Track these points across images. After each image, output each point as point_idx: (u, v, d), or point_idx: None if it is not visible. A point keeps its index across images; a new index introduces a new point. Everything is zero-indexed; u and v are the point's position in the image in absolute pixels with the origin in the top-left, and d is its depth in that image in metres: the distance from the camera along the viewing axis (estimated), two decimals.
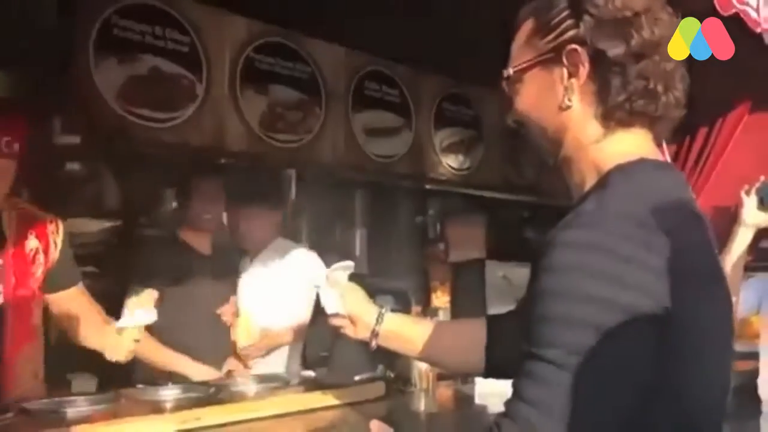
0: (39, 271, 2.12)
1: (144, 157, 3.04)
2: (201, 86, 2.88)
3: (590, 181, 1.00)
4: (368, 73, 3.56)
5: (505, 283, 3.37)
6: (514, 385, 0.89)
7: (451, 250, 4.52)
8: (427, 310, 3.85)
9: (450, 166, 3.97)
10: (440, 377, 2.51)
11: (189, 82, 2.84)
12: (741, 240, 2.29)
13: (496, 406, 2.10)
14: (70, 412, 1.84)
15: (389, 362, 2.44)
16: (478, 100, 4.11)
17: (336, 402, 2.14)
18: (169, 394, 2.05)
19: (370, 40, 3.33)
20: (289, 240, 3.10)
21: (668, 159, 2.46)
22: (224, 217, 3.03)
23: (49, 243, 2.14)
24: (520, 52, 1.06)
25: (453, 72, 3.90)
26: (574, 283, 0.85)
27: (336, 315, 1.48)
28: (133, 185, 3.65)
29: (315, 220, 4.09)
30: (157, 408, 1.93)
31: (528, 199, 4.46)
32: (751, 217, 2.29)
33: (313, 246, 3.34)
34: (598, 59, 0.96)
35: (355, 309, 1.47)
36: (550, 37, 1.01)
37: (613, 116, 0.98)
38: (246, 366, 2.88)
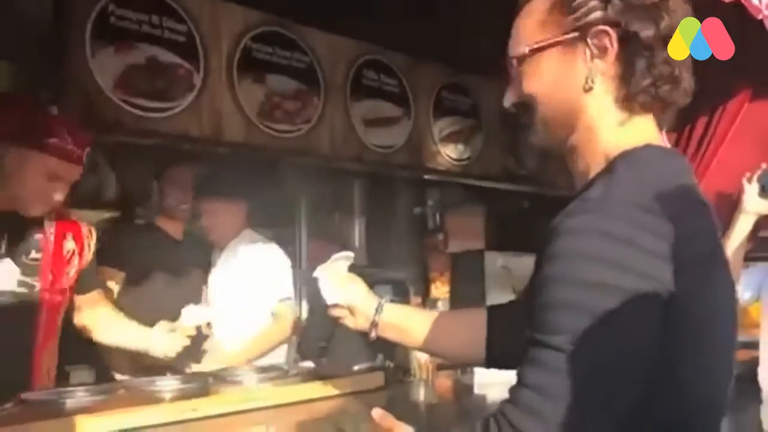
0: (72, 272, 2.20)
1: (133, 147, 3.03)
2: (198, 76, 2.86)
3: (596, 168, 0.99)
4: (366, 62, 3.53)
5: (505, 273, 3.37)
6: (518, 372, 0.89)
7: (451, 240, 4.51)
8: (427, 301, 3.86)
9: (449, 156, 3.95)
10: (439, 367, 2.51)
11: (186, 72, 2.82)
12: (742, 227, 2.30)
13: (495, 396, 2.10)
14: (69, 402, 1.85)
15: (388, 352, 2.44)
16: (477, 90, 4.08)
17: (335, 392, 2.14)
18: (167, 384, 2.05)
19: (369, 29, 3.31)
20: (257, 233, 3.14)
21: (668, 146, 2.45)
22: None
23: (84, 246, 2.25)
24: (534, 32, 1.02)
25: (452, 61, 3.87)
26: (578, 269, 0.84)
27: (335, 305, 1.48)
28: (125, 174, 3.65)
29: (313, 211, 4.07)
30: (155, 399, 1.93)
31: (527, 189, 4.44)
32: (753, 204, 2.31)
33: (312, 236, 3.34)
34: (628, 41, 0.96)
35: (354, 299, 1.47)
36: (574, 16, 0.98)
37: (635, 100, 0.98)
38: None
